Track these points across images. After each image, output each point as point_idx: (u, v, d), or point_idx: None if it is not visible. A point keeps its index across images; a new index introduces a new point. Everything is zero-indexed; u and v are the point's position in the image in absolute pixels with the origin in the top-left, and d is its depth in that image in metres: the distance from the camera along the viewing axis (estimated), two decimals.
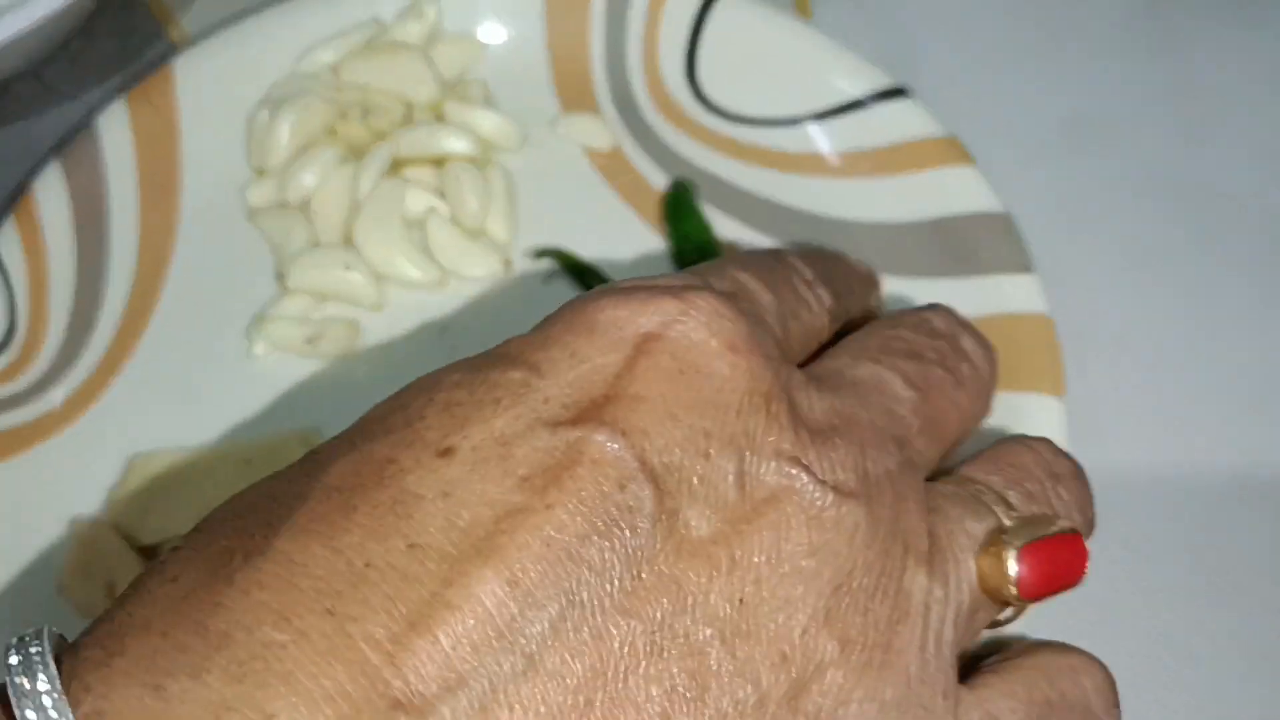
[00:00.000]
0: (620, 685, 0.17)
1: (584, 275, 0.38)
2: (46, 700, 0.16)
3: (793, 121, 0.40)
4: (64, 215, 0.38)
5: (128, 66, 0.44)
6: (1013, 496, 0.24)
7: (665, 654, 0.18)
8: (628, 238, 0.39)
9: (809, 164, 0.39)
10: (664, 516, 0.18)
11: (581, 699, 0.17)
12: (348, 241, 0.38)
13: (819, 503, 0.20)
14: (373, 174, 0.38)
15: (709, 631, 0.18)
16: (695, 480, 0.19)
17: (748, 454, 0.20)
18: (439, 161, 0.39)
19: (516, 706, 0.17)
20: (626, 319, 0.20)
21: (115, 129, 0.39)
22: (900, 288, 0.37)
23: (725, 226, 0.39)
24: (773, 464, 0.20)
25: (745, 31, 0.41)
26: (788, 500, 0.19)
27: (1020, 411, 0.33)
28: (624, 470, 0.18)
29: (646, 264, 0.38)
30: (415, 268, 0.38)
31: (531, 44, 0.42)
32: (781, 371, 0.21)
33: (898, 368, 0.24)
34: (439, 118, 0.40)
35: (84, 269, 0.38)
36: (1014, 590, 0.22)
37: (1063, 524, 0.23)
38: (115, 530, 0.33)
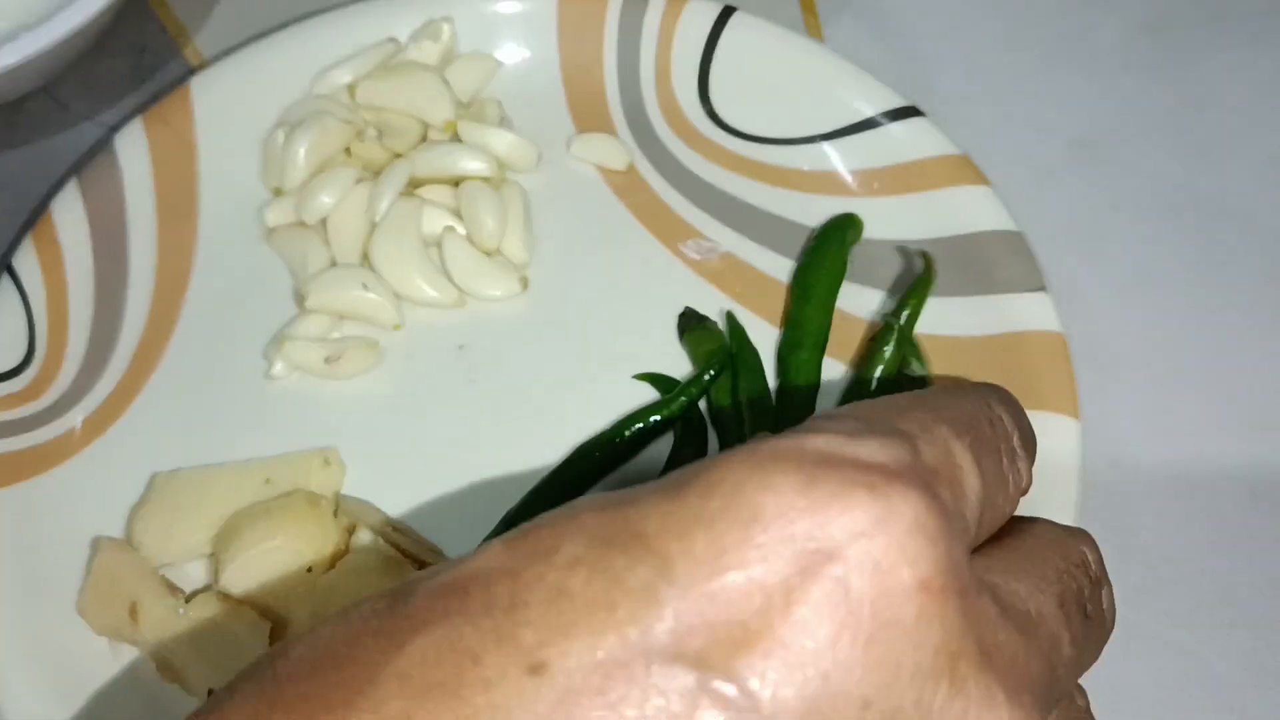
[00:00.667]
0: None
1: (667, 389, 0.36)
2: None
3: (807, 140, 0.40)
4: (82, 236, 0.38)
5: (142, 85, 0.45)
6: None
7: None
8: (642, 256, 0.39)
9: (824, 183, 0.40)
10: None
11: None
12: (365, 261, 0.38)
13: None
14: (389, 194, 0.38)
15: None
16: None
17: None
18: (455, 181, 0.40)
19: None
20: (800, 515, 0.16)
21: (133, 149, 0.39)
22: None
23: (739, 246, 0.39)
24: None
25: (758, 52, 0.41)
26: None
27: (1037, 431, 0.34)
28: None
29: (663, 284, 0.38)
30: (433, 287, 0.38)
31: (546, 64, 0.42)
32: (974, 612, 0.17)
33: (1071, 621, 0.20)
34: (455, 138, 0.40)
35: (103, 289, 0.38)
36: None
37: None
38: (137, 551, 0.33)
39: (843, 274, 0.37)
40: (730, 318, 0.37)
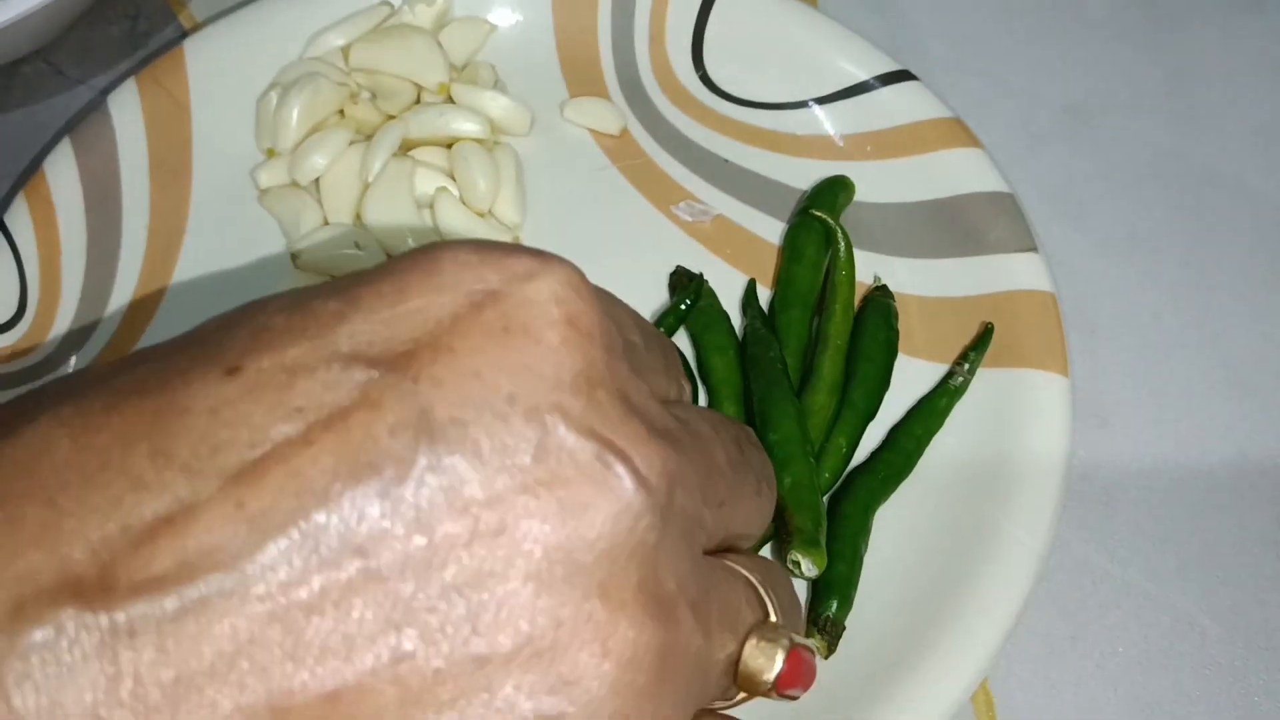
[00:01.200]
0: (332, 623, 0.17)
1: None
2: None
3: (799, 104, 0.40)
4: (75, 194, 0.38)
5: (136, 51, 0.45)
6: (773, 603, 0.23)
7: (396, 605, 0.17)
8: (636, 220, 0.39)
9: (816, 146, 0.40)
10: (431, 471, 0.17)
11: (281, 630, 0.16)
12: (358, 222, 0.39)
13: (626, 495, 0.18)
14: (382, 155, 0.38)
15: (447, 590, 0.17)
16: (483, 440, 0.17)
17: (556, 426, 0.18)
18: (448, 144, 0.40)
19: (213, 627, 0.16)
20: (472, 266, 0.19)
21: (127, 110, 0.39)
22: (907, 268, 0.37)
23: (731, 208, 0.39)
24: (587, 445, 0.18)
25: (751, 16, 0.41)
26: (590, 478, 0.18)
27: (1027, 388, 0.34)
28: (400, 417, 0.17)
29: (654, 243, 0.39)
30: None
31: (540, 28, 0.42)
32: (621, 369, 0.20)
33: (725, 445, 0.23)
34: (448, 100, 0.40)
35: (96, 247, 0.38)
36: (770, 680, 0.21)
37: (810, 641, 0.24)
38: None
39: (832, 235, 0.37)
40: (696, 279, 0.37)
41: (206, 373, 0.18)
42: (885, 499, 0.33)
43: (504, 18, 0.42)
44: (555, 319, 0.19)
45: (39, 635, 0.16)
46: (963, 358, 0.35)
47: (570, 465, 0.18)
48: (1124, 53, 0.43)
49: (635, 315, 0.23)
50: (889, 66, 0.39)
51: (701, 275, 0.37)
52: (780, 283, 0.37)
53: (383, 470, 0.17)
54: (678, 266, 0.38)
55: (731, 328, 0.36)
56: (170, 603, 0.16)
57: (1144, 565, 0.34)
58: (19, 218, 0.37)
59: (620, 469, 0.18)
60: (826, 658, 0.31)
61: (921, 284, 0.37)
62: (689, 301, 0.36)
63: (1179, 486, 0.35)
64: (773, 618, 0.22)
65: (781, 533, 0.31)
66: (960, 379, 0.35)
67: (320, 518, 0.17)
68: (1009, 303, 0.35)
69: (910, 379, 0.35)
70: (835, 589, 0.31)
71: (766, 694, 0.22)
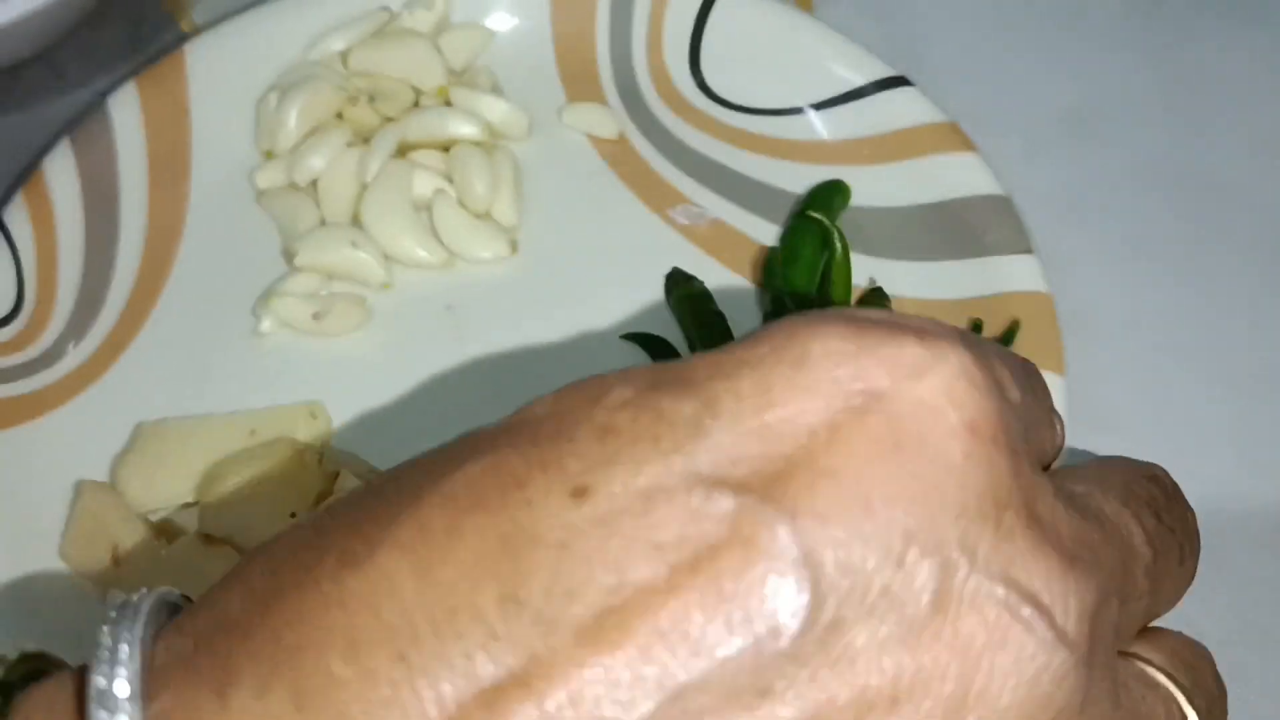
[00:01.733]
0: None
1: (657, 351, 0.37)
2: (121, 691, 0.16)
3: (795, 110, 0.40)
4: (74, 193, 0.38)
5: (137, 56, 0.45)
6: (1195, 710, 0.21)
7: None
8: (632, 223, 0.39)
9: (812, 151, 0.40)
10: (819, 628, 0.15)
11: None
12: (355, 223, 0.39)
13: (1042, 655, 0.16)
14: (381, 156, 0.39)
15: None
16: (876, 589, 0.15)
17: (961, 568, 0.16)
18: (446, 146, 0.40)
19: None
20: (848, 358, 0.16)
21: (126, 111, 0.39)
22: (904, 270, 0.37)
23: (728, 212, 0.39)
24: (996, 589, 0.16)
25: (748, 23, 0.41)
26: (1000, 637, 0.16)
27: None
28: (781, 563, 0.15)
29: (651, 246, 0.39)
30: (422, 248, 0.38)
31: (538, 34, 0.42)
32: (1026, 474, 0.17)
33: (1142, 519, 0.20)
34: (447, 103, 0.41)
35: (93, 246, 0.38)
36: None
37: None
38: (120, 495, 0.33)
39: (829, 238, 0.37)
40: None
41: (550, 489, 0.16)
42: None
43: (503, 23, 0.42)
44: (955, 426, 0.16)
45: None
46: None
47: (975, 617, 0.16)
48: (1123, 61, 0.44)
49: (1011, 361, 0.20)
50: (884, 72, 0.40)
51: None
52: (776, 284, 0.37)
53: (763, 627, 0.15)
54: (674, 268, 0.38)
55: (727, 327, 0.36)
56: None
57: None
58: (17, 215, 0.37)
59: (1038, 622, 0.16)
60: None
61: (919, 286, 0.37)
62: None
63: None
64: (1188, 717, 0.20)
65: None
66: None
67: (690, 680, 0.15)
68: (1005, 304, 0.35)
69: None
70: None
71: None
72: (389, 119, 0.40)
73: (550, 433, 0.17)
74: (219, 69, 0.41)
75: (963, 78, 0.43)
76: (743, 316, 0.37)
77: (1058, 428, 0.22)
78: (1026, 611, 0.16)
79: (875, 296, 0.36)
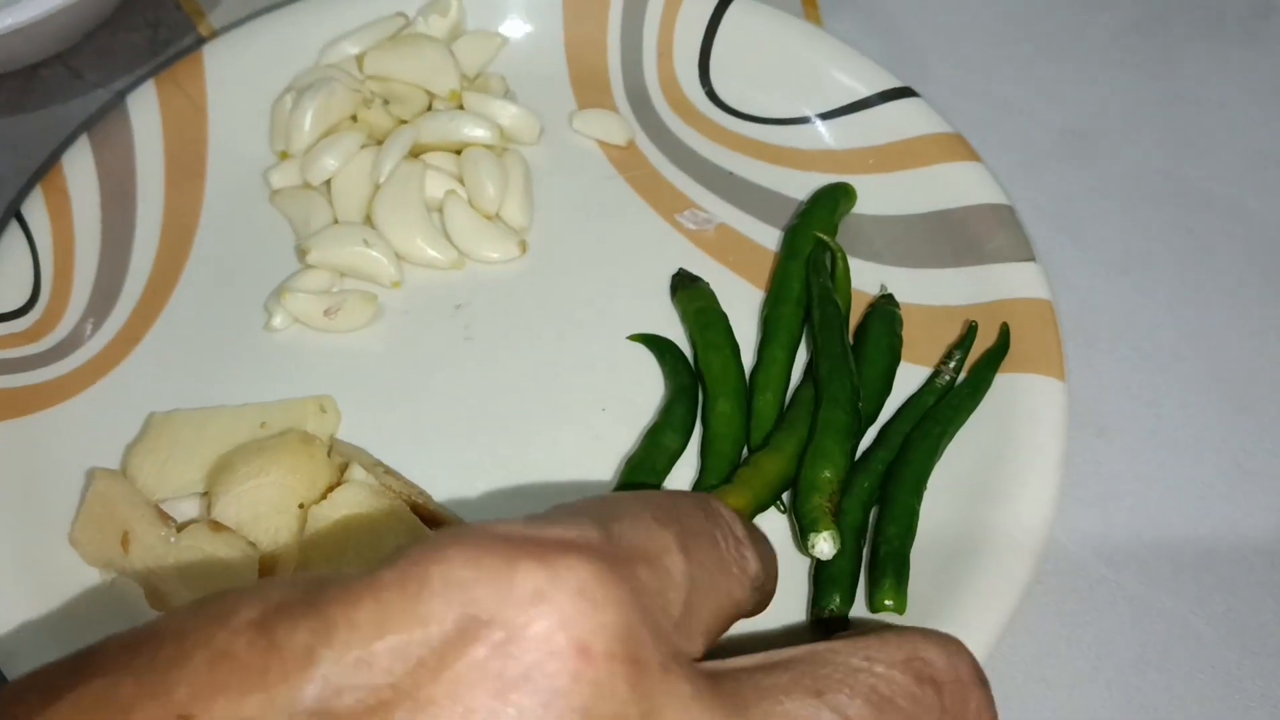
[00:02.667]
0: None
1: (664, 353, 0.37)
2: None
3: (803, 120, 0.41)
4: (92, 188, 0.39)
5: (155, 58, 0.46)
6: None
7: None
8: (640, 227, 0.40)
9: (819, 160, 0.41)
10: None
11: None
12: (368, 222, 0.39)
13: None
14: (394, 157, 0.39)
15: None
16: None
17: None
18: (458, 150, 0.41)
19: None
20: (465, 587, 0.16)
21: (145, 109, 0.40)
22: (908, 278, 0.38)
23: (734, 218, 0.40)
24: None
25: (758, 35, 0.42)
26: None
27: (1024, 391, 0.34)
28: None
29: (658, 250, 0.39)
30: (433, 248, 0.39)
31: (550, 42, 0.43)
32: (651, 681, 0.17)
33: (846, 716, 0.19)
34: (459, 108, 0.41)
35: (109, 240, 0.39)
36: None
37: None
38: (131, 483, 0.33)
39: (832, 236, 0.37)
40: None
41: (154, 718, 0.16)
42: (879, 495, 0.33)
43: (516, 30, 0.43)
44: (563, 650, 0.16)
45: None
46: (947, 357, 0.36)
47: None
48: (1122, 78, 0.44)
49: (678, 525, 0.20)
50: (891, 83, 0.40)
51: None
52: (775, 281, 0.37)
53: None
54: (680, 269, 0.38)
55: (729, 328, 0.37)
56: None
57: (1139, 570, 0.34)
58: (35, 208, 0.38)
59: None
60: None
61: (922, 293, 0.38)
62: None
63: (1174, 494, 0.35)
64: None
65: (803, 514, 0.32)
66: (946, 377, 0.35)
67: None
68: (1007, 310, 0.36)
69: (912, 385, 0.36)
70: (838, 583, 0.31)
71: None
72: (402, 121, 0.41)
73: (168, 657, 0.17)
74: (236, 71, 0.41)
75: (965, 93, 0.44)
76: (747, 321, 0.37)
77: (736, 565, 0.21)
78: None
79: (886, 303, 0.37)
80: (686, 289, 0.37)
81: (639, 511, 0.20)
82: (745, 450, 0.35)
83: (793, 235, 0.38)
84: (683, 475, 0.35)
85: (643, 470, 0.34)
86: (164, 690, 0.16)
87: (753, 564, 0.21)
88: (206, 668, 0.16)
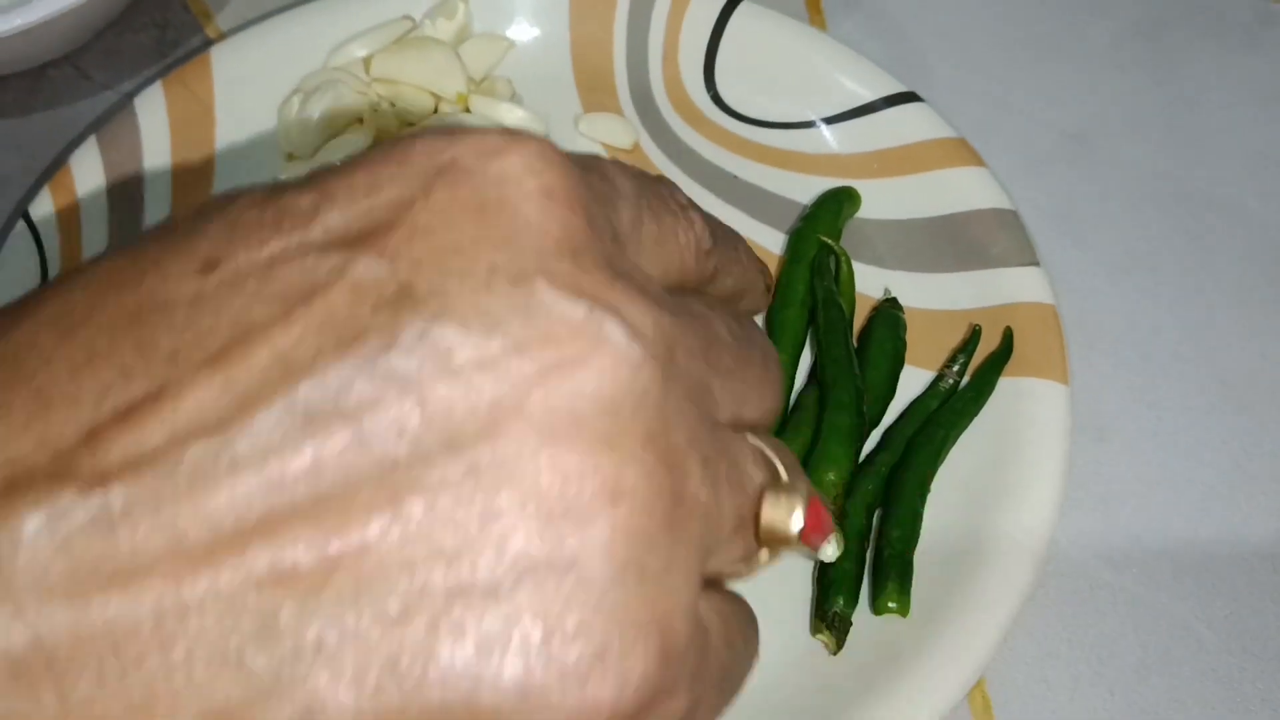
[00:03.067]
0: (329, 488, 0.16)
1: None
2: None
3: (807, 124, 0.41)
4: (99, 190, 0.39)
5: (163, 60, 0.46)
6: (783, 465, 0.22)
7: (395, 469, 0.17)
8: None
9: (823, 164, 0.41)
10: (418, 339, 0.17)
11: (277, 498, 0.16)
12: None
13: (618, 353, 0.17)
14: None
15: (443, 452, 0.17)
16: (469, 308, 0.17)
17: (542, 289, 0.18)
18: None
19: (208, 500, 0.16)
20: (443, 146, 0.19)
21: (152, 111, 0.40)
22: (911, 282, 0.38)
23: (740, 222, 0.40)
24: (577, 303, 0.18)
25: (763, 39, 0.42)
26: (581, 342, 0.17)
27: (1027, 395, 0.34)
28: (381, 293, 0.17)
29: None
30: None
31: (556, 46, 0.43)
32: (603, 236, 0.19)
33: (723, 319, 0.22)
34: (466, 111, 0.41)
35: (117, 241, 0.39)
36: (795, 531, 0.21)
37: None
38: None
39: (836, 240, 0.38)
40: None
41: (184, 266, 0.18)
42: (883, 498, 0.34)
43: (522, 34, 0.43)
44: (530, 191, 0.18)
45: (33, 518, 0.16)
46: (951, 361, 0.36)
47: (561, 324, 0.17)
48: (1125, 81, 0.45)
49: (626, 170, 0.22)
50: (895, 88, 0.41)
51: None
52: (779, 284, 0.38)
53: (368, 341, 0.17)
54: None
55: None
56: (163, 475, 0.16)
57: (1140, 573, 0.34)
58: (43, 209, 0.38)
59: (613, 322, 0.18)
60: (835, 653, 0.31)
61: (925, 297, 0.38)
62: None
63: (1176, 497, 0.36)
64: (784, 479, 0.21)
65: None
66: (949, 380, 0.35)
67: (307, 389, 0.17)
68: (1010, 314, 0.36)
69: (916, 388, 0.36)
70: (842, 585, 0.31)
71: (793, 547, 0.21)
72: (409, 124, 0.41)
73: (184, 228, 0.19)
74: (243, 73, 0.42)
75: (967, 96, 0.44)
76: None
77: (683, 221, 0.23)
78: (601, 313, 0.18)
79: (890, 307, 0.37)
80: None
81: (596, 157, 0.22)
82: None
83: (797, 239, 0.38)
84: None
85: None
86: (187, 248, 0.18)
87: (700, 227, 0.23)
88: (224, 229, 0.18)
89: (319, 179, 0.19)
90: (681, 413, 0.19)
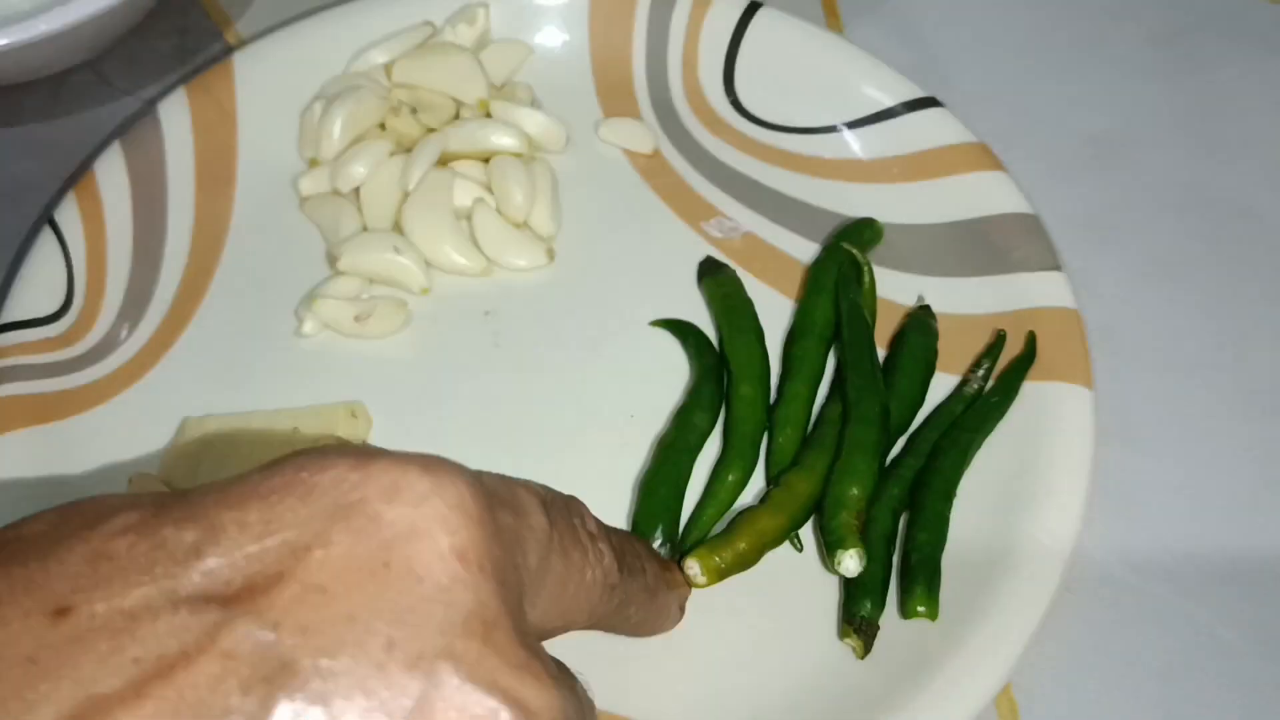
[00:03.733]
0: None
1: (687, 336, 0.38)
2: None
3: (828, 129, 0.41)
4: (123, 194, 0.39)
5: (183, 66, 0.46)
6: None
7: None
8: (666, 235, 0.40)
9: (843, 169, 0.41)
10: None
11: None
12: (397, 229, 0.40)
13: None
14: (423, 164, 0.40)
15: None
16: (355, 695, 0.15)
17: (445, 675, 0.16)
18: (486, 158, 0.41)
19: None
20: (353, 486, 0.17)
21: (176, 116, 0.41)
22: (933, 287, 0.38)
23: (761, 226, 0.40)
24: (485, 698, 0.16)
25: (782, 45, 0.42)
26: None
27: (1050, 400, 0.34)
28: (254, 670, 0.15)
29: (684, 258, 0.39)
30: (461, 255, 0.39)
31: (577, 51, 0.44)
32: (513, 602, 0.18)
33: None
34: (487, 116, 0.41)
35: (141, 246, 0.39)
36: None
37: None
38: (166, 485, 0.33)
39: (859, 271, 0.38)
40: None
41: (29, 610, 0.16)
42: (910, 502, 0.34)
43: (542, 40, 0.44)
44: (444, 552, 0.17)
45: None
46: (975, 365, 0.36)
47: (459, 717, 0.16)
48: (1147, 88, 0.45)
49: (540, 515, 0.21)
50: (915, 93, 0.41)
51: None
52: (799, 313, 0.38)
53: None
54: (706, 255, 0.39)
55: (754, 314, 0.37)
56: None
57: (1166, 578, 0.34)
58: (68, 214, 0.38)
59: (514, 717, 0.16)
60: (863, 658, 0.31)
61: (947, 302, 0.38)
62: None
63: (1201, 503, 0.36)
64: None
65: (829, 531, 0.32)
66: (974, 385, 0.35)
67: None
68: (1033, 319, 0.36)
69: (940, 393, 0.36)
70: (869, 590, 0.31)
71: None
72: (430, 130, 0.41)
73: (40, 554, 0.17)
74: (266, 78, 0.42)
75: (987, 102, 0.44)
76: (774, 328, 0.38)
77: (604, 549, 0.23)
78: (508, 712, 0.16)
79: (923, 314, 0.37)
80: (713, 276, 0.38)
81: (514, 481, 0.21)
82: (765, 438, 0.35)
83: (817, 270, 0.38)
84: (708, 455, 0.35)
85: (675, 449, 0.35)
86: (42, 583, 0.16)
87: (608, 556, 0.22)
88: (87, 565, 0.16)
89: (206, 508, 0.17)
90: None
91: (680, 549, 0.33)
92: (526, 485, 0.21)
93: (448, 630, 0.16)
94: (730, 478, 0.34)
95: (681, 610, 0.28)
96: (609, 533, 0.24)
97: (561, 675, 0.18)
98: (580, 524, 0.22)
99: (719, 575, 0.30)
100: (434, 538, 0.17)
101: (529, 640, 0.18)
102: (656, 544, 0.32)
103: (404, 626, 0.16)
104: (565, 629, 0.22)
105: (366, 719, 0.15)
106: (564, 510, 0.22)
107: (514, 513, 0.19)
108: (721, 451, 0.35)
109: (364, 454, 0.18)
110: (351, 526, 0.17)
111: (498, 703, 0.16)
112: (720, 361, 0.36)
